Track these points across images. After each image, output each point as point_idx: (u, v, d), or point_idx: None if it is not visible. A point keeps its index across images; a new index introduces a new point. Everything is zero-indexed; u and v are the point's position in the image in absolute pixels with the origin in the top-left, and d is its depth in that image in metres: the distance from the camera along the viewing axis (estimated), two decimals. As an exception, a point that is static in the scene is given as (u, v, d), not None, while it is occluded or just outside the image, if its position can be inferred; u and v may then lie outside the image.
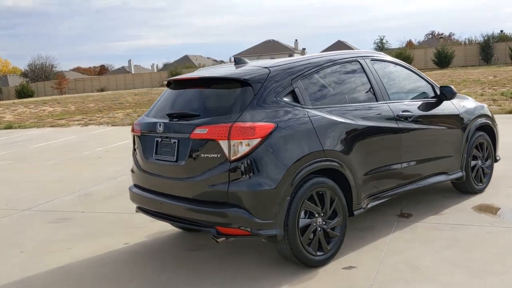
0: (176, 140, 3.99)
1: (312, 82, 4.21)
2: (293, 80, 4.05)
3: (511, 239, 4.27)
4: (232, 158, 3.62)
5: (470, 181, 5.55)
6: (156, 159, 4.19)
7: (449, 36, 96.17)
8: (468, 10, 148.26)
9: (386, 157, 4.54)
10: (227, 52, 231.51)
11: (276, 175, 3.66)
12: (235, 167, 3.62)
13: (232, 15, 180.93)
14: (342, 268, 3.92)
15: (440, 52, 52.67)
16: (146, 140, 4.34)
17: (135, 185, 4.58)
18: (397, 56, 53.15)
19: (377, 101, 4.61)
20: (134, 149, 4.59)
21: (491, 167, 5.92)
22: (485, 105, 6.07)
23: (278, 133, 3.71)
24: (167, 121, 4.11)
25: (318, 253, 3.93)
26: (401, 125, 4.66)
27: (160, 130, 4.11)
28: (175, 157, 3.99)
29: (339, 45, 71.74)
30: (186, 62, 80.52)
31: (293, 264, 3.99)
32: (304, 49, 78.92)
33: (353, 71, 4.61)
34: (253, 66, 4.26)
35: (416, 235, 4.52)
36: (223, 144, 3.65)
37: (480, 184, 5.70)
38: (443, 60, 52.21)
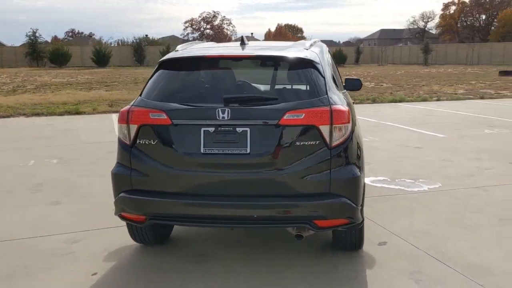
0: (247, 129, 3.35)
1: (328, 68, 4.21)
2: (327, 63, 3.99)
3: (451, 199, 5.39)
4: (333, 144, 3.37)
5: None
6: (205, 153, 3.38)
7: (90, 35, 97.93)
8: (105, 13, 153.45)
9: None
10: None
11: (361, 159, 3.62)
12: (336, 154, 3.38)
13: None
14: (378, 245, 4.16)
15: (99, 51, 53.25)
16: (184, 131, 3.42)
17: (144, 191, 3.52)
18: (54, 52, 51.43)
19: (339, 90, 4.94)
20: (134, 144, 3.51)
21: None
22: None
23: (351, 117, 3.65)
24: (233, 106, 3.36)
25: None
26: None
27: (223, 117, 3.33)
28: (247, 148, 3.35)
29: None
30: None
31: (328, 254, 4.00)
32: None
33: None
34: (287, 46, 3.96)
35: (383, 206, 5.15)
36: (324, 129, 3.35)
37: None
38: (101, 59, 52.95)
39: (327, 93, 3.50)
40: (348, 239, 3.84)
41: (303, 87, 3.56)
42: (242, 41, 4.04)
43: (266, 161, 3.35)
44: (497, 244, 4.15)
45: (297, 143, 3.34)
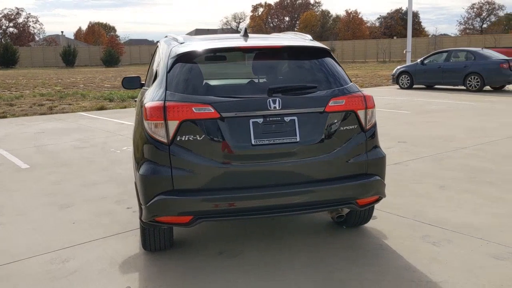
0: (295, 117, 3.41)
1: None
2: None
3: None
4: (367, 127, 3.64)
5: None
6: (256, 144, 3.34)
7: None
8: None
9: None
10: None
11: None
12: (369, 136, 3.65)
13: None
14: (372, 219, 4.50)
15: None
16: (232, 124, 3.31)
17: (190, 190, 3.32)
18: None
19: None
20: (173, 141, 3.29)
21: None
22: None
23: None
24: (281, 95, 3.37)
25: (360, 212, 4.37)
26: None
27: (275, 107, 3.33)
28: (297, 137, 3.40)
29: None
30: None
31: (340, 235, 4.29)
32: None
33: None
34: (293, 37, 4.07)
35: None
36: (361, 114, 3.59)
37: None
38: None
39: (350, 81, 3.75)
40: (363, 215, 4.15)
41: (329, 76, 3.72)
42: (245, 33, 4.04)
43: (314, 147, 3.46)
44: (457, 206, 4.87)
45: (340, 128, 3.53)
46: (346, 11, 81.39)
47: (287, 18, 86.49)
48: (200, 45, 3.71)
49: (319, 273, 3.52)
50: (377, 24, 79.62)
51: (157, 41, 5.33)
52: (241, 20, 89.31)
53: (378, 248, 3.92)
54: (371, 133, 3.68)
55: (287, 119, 3.40)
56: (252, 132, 3.34)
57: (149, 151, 3.40)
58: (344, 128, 3.55)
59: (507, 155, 7.03)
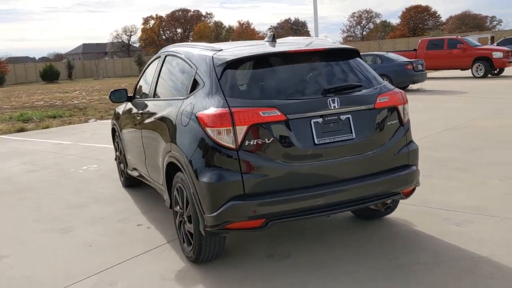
0: (349, 115, 3.55)
1: None
2: None
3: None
4: (404, 122, 3.89)
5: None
6: (318, 143, 3.43)
7: None
8: None
9: None
10: None
11: None
12: (406, 130, 3.90)
13: None
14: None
15: None
16: (295, 125, 3.37)
17: (262, 193, 3.32)
18: None
19: None
20: (241, 146, 3.28)
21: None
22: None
23: None
24: (338, 95, 3.50)
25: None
26: None
27: (334, 107, 3.45)
28: (353, 134, 3.55)
29: None
30: None
31: (371, 229, 4.52)
32: None
33: None
34: (321, 39, 4.21)
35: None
36: (401, 109, 3.84)
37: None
38: None
39: (384, 80, 3.99)
40: (394, 206, 4.39)
41: (367, 75, 3.91)
42: (273, 39, 4.13)
43: (367, 143, 3.63)
44: (452, 191, 5.28)
45: (387, 123, 3.74)
46: (239, 22, 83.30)
47: (179, 30, 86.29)
48: (244, 51, 3.73)
49: (379, 262, 3.69)
50: (269, 34, 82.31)
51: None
52: (132, 33, 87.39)
53: (414, 234, 4.19)
54: (407, 127, 3.93)
55: (343, 117, 3.55)
56: (314, 131, 3.44)
57: (214, 158, 3.34)
58: (389, 123, 3.77)
59: (457, 145, 7.75)
